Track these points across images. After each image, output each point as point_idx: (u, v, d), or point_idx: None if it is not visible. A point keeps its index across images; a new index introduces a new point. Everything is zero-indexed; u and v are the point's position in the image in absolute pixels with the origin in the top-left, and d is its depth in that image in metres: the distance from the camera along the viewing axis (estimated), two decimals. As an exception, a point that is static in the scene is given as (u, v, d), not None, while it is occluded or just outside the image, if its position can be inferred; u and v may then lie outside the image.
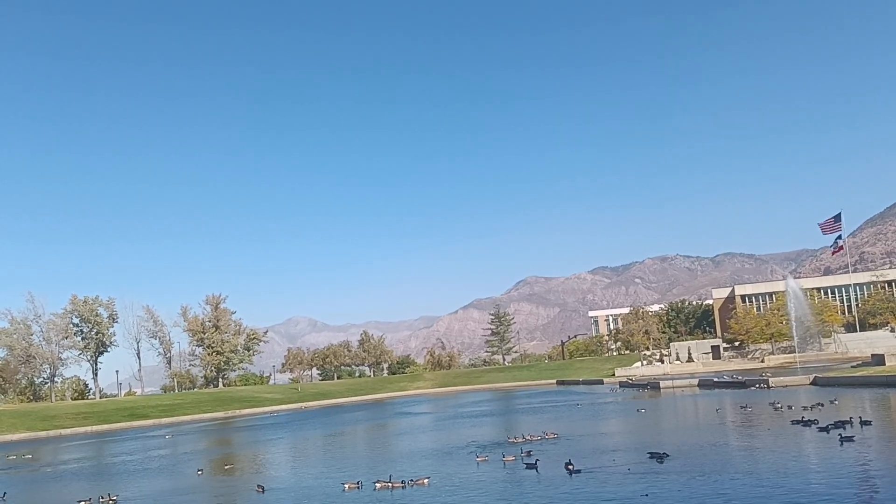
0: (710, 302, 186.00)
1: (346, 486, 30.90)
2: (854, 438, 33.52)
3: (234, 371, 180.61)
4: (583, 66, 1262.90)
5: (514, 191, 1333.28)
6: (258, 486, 32.61)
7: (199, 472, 41.14)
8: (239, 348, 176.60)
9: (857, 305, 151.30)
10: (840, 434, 34.30)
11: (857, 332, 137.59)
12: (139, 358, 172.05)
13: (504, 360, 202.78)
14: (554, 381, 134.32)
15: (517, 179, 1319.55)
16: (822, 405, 49.35)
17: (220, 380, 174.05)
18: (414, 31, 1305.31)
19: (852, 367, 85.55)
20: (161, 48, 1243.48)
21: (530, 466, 31.69)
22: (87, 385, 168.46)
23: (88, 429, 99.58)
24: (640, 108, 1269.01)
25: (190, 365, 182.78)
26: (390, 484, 30.04)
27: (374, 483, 30.71)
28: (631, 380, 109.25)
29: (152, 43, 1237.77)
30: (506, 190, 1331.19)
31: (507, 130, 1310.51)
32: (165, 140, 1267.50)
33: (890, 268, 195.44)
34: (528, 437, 44.37)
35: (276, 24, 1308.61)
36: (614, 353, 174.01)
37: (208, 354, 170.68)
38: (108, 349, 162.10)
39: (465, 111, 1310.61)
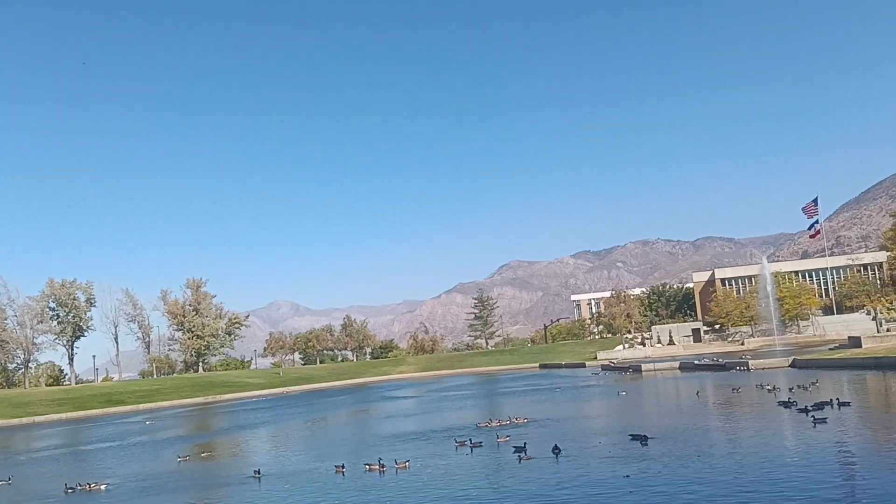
0: (691, 285, 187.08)
1: (336, 468, 31.39)
2: (827, 420, 33.91)
3: (215, 356, 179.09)
4: (564, 54, 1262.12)
5: (497, 176, 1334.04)
6: (255, 471, 32.60)
7: (182, 459, 40.81)
8: (220, 332, 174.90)
9: (834, 289, 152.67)
10: (814, 416, 34.68)
11: (834, 314, 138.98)
12: (117, 343, 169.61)
13: (487, 344, 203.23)
14: (536, 364, 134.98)
15: (500, 165, 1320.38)
16: (807, 387, 49.83)
17: (201, 365, 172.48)
18: (395, 20, 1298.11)
19: (830, 349, 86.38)
20: (142, 34, 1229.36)
21: (518, 450, 31.84)
22: (62, 371, 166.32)
23: (63, 415, 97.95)
24: (621, 95, 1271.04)
25: (169, 350, 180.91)
26: (378, 467, 30.52)
27: (364, 465, 31.20)
28: (613, 363, 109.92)
29: (134, 29, 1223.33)
30: (489, 175, 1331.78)
31: (491, 117, 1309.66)
32: (145, 124, 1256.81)
33: (866, 251, 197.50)
34: (498, 422, 44.38)
35: (249, 13, 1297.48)
36: (596, 337, 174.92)
37: (188, 339, 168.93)
38: (85, 334, 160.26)
39: (449, 98, 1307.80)
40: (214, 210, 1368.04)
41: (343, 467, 31.39)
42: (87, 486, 33.06)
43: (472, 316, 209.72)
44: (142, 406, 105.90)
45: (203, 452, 43.69)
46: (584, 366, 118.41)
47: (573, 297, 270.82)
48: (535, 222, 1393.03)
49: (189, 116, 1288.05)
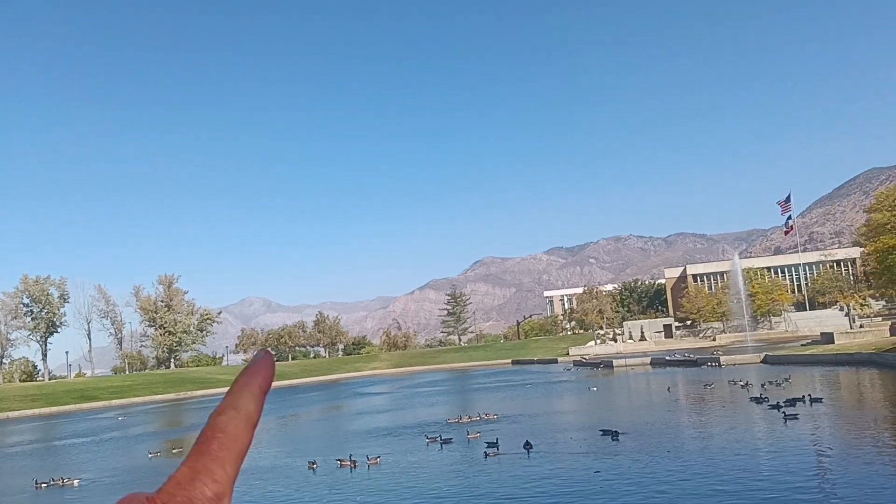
0: (663, 281, 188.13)
1: (308, 464, 31.22)
2: (799, 416, 33.79)
3: (187, 352, 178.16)
4: (535, 51, 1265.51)
5: (470, 172, 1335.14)
6: None
7: (153, 455, 40.11)
8: (191, 329, 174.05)
9: (806, 285, 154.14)
10: (784, 412, 34.57)
11: (806, 310, 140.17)
12: (90, 339, 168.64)
13: (460, 340, 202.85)
14: (509, 360, 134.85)
15: (474, 162, 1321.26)
16: (780, 383, 49.83)
17: (172, 361, 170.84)
18: (365, 18, 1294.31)
19: (802, 345, 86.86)
20: (116, 31, 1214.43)
21: (491, 445, 31.50)
22: (35, 366, 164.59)
23: (36, 411, 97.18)
24: (593, 91, 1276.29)
25: (141, 346, 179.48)
26: (349, 463, 30.42)
27: (336, 461, 30.99)
28: (585, 358, 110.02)
29: (110, 26, 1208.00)
30: (462, 171, 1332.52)
31: (463, 114, 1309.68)
32: (117, 119, 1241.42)
33: (838, 248, 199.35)
34: (468, 419, 44.09)
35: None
36: (569, 333, 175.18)
37: (160, 335, 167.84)
38: (59, 330, 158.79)
39: (422, 95, 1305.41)
40: (187, 207, 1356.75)
41: (315, 463, 31.12)
42: (61, 480, 32.59)
43: (445, 312, 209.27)
44: (114, 402, 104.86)
45: (174, 448, 43.09)
46: (556, 362, 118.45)
47: (546, 294, 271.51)
48: (508, 219, 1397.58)
49: (161, 112, 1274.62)
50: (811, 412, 35.57)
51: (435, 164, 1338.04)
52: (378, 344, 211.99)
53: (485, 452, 30.40)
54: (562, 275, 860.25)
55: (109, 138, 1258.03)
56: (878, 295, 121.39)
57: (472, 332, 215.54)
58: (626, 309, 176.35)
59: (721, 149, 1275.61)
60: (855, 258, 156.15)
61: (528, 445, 30.67)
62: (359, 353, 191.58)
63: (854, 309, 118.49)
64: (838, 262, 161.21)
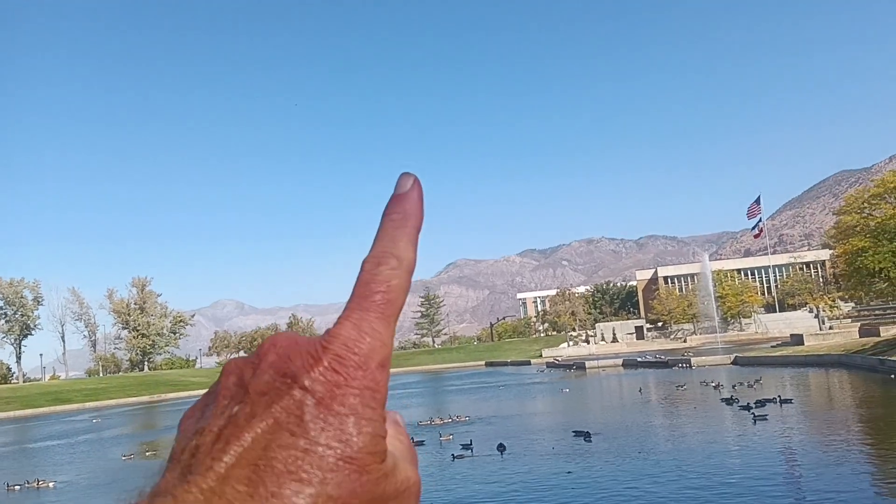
0: (635, 283, 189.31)
1: None
2: (768, 417, 34.06)
3: (160, 354, 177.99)
4: (507, 55, 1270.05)
5: (442, 175, 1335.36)
6: None
7: (126, 458, 39.66)
8: (165, 331, 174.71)
9: (776, 286, 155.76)
10: (754, 413, 34.84)
11: (776, 312, 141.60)
12: (64, 341, 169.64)
13: (433, 342, 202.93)
14: (483, 362, 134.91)
15: (445, 164, 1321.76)
16: (752, 385, 50.21)
17: (146, 363, 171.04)
18: (321, 21, 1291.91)
19: (772, 346, 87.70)
20: (96, 38, 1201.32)
21: (466, 447, 31.52)
22: (9, 369, 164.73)
23: (10, 414, 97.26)
24: (564, 95, 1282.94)
25: (115, 348, 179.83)
26: None
27: None
28: (557, 360, 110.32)
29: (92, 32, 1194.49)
30: (435, 173, 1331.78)
31: (435, 116, 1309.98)
32: (85, 120, 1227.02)
33: (808, 249, 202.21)
34: (440, 420, 43.95)
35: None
36: (542, 335, 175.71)
37: (133, 337, 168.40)
38: (33, 332, 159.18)
39: (394, 97, 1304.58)
40: (159, 209, 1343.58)
41: None
42: (35, 483, 32.17)
43: (419, 314, 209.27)
44: (88, 404, 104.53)
45: (148, 451, 42.55)
46: (529, 363, 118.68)
47: (519, 296, 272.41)
48: (482, 221, 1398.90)
49: (130, 113, 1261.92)
50: (781, 413, 35.87)
51: (406, 165, 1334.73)
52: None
53: (452, 455, 30.27)
54: (535, 277, 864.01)
55: (80, 138, 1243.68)
56: (847, 297, 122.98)
57: (445, 334, 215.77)
58: (598, 311, 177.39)
59: (691, 151, 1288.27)
60: (824, 260, 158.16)
61: (501, 447, 30.62)
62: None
63: (823, 311, 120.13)
64: (808, 264, 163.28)
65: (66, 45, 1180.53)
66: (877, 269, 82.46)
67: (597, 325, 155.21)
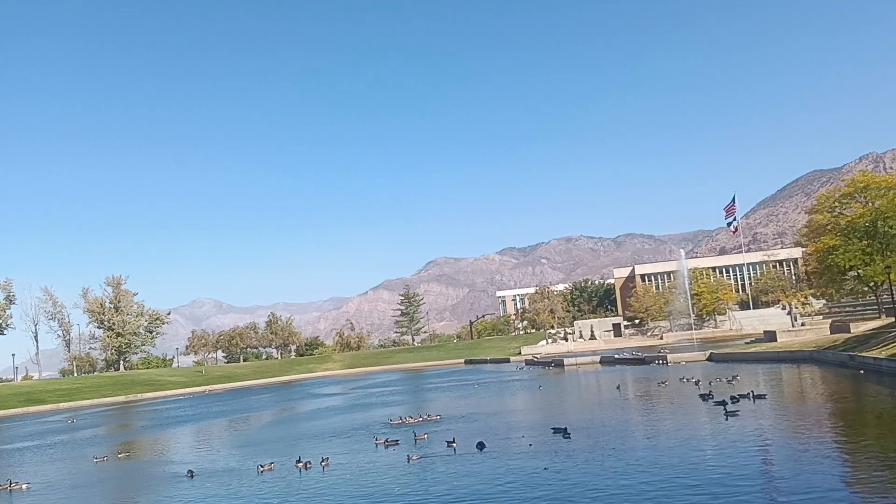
0: (612, 281, 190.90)
1: (262, 467, 30.92)
2: (739, 413, 34.80)
3: (136, 354, 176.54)
4: (486, 52, 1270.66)
5: (423, 174, 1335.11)
6: (189, 471, 31.81)
7: (98, 460, 39.43)
8: (141, 330, 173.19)
9: (750, 284, 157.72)
10: (726, 409, 35.65)
11: (750, 309, 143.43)
12: (37, 341, 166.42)
13: (413, 340, 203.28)
14: (462, 360, 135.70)
15: (426, 163, 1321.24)
16: (731, 381, 51.04)
17: (122, 363, 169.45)
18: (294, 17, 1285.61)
19: (746, 343, 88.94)
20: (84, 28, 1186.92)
21: (449, 444, 32.01)
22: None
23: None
24: (543, 95, 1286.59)
25: (90, 348, 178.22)
26: (301, 463, 30.62)
27: (296, 463, 30.99)
28: (536, 358, 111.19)
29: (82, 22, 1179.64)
30: (415, 173, 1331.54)
31: (415, 116, 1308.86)
32: (60, 121, 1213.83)
33: (781, 248, 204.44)
34: (410, 419, 44.33)
35: None
36: (521, 332, 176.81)
37: (108, 337, 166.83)
38: (5, 332, 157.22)
39: (373, 98, 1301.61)
40: (136, 207, 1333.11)
41: (269, 466, 31.01)
42: (8, 484, 31.93)
43: (399, 312, 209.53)
44: (62, 405, 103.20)
45: (120, 453, 42.23)
46: (508, 361, 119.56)
47: (498, 294, 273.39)
48: (462, 219, 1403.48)
49: (106, 113, 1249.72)
50: (754, 408, 36.74)
51: (388, 165, 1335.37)
52: (331, 345, 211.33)
53: (408, 456, 30.53)
54: (514, 275, 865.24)
55: (55, 140, 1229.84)
56: (818, 294, 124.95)
57: (425, 332, 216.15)
58: (576, 308, 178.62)
59: (668, 151, 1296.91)
60: (797, 258, 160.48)
61: (480, 445, 31.04)
62: (312, 354, 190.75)
63: (796, 308, 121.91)
64: (781, 262, 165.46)
65: (39, 38, 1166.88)
66: (847, 266, 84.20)
67: (575, 322, 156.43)
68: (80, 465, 38.91)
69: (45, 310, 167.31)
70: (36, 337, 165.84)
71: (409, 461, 29.67)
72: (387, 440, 35.79)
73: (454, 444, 31.93)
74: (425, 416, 45.32)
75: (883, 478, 20.57)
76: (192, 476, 30.89)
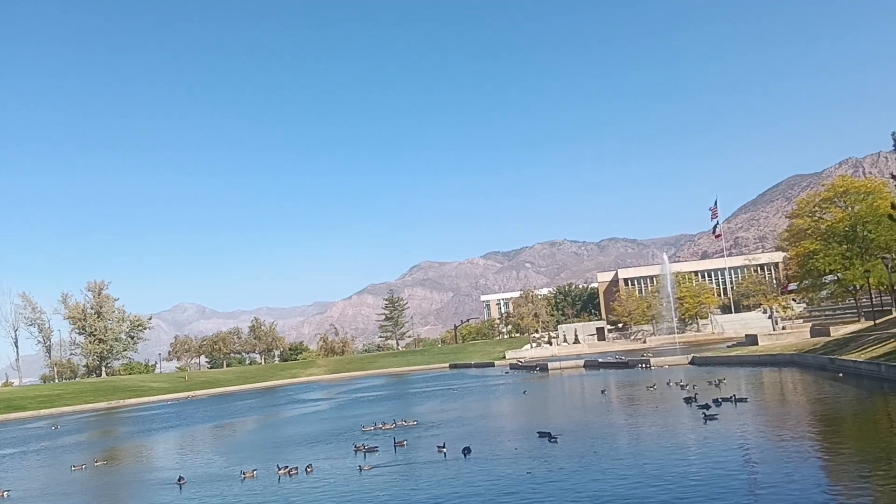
0: (596, 285, 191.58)
1: (245, 474, 30.82)
2: (718, 417, 35.16)
3: (118, 360, 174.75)
4: (472, 57, 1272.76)
5: (407, 177, 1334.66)
6: (179, 477, 31.56)
7: (76, 468, 39.02)
8: (122, 336, 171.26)
9: (732, 288, 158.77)
10: (705, 413, 36.00)
11: (732, 313, 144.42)
12: (17, 347, 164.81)
13: (398, 344, 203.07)
14: (447, 364, 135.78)
15: (409, 167, 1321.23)
16: (717, 384, 51.36)
17: (104, 369, 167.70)
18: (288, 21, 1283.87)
19: (728, 346, 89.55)
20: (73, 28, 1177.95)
21: (440, 449, 32.10)
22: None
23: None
24: (528, 99, 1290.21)
25: (71, 354, 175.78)
26: (287, 469, 30.43)
27: (278, 468, 30.86)
28: (521, 362, 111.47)
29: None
30: (399, 176, 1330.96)
31: (400, 119, 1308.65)
32: (42, 126, 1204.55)
33: (762, 252, 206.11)
34: (384, 425, 44.07)
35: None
36: (505, 337, 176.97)
37: (90, 343, 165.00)
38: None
39: (356, 99, 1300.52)
40: (117, 211, 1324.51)
41: (252, 472, 30.92)
42: None
43: (383, 317, 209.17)
44: (43, 411, 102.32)
45: (97, 461, 41.63)
46: (493, 365, 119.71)
47: (483, 298, 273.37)
48: (446, 224, 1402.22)
49: (86, 116, 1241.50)
50: (736, 411, 37.18)
51: (372, 170, 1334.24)
52: (315, 350, 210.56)
53: (358, 467, 30.69)
54: (498, 279, 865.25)
55: (31, 141, 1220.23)
56: (799, 298, 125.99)
57: (409, 337, 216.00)
58: (560, 312, 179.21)
59: (651, 156, 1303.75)
60: (778, 262, 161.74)
61: (466, 450, 31.12)
62: (296, 360, 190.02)
63: (777, 311, 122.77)
64: (762, 266, 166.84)
65: (25, 41, 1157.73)
66: (827, 270, 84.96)
67: (559, 326, 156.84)
68: (63, 473, 38.53)
69: (24, 316, 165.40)
70: (16, 343, 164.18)
71: (360, 472, 29.52)
72: (365, 446, 35.71)
73: (444, 450, 32.01)
74: (400, 422, 44.89)
75: (861, 479, 20.94)
76: (181, 483, 30.62)
